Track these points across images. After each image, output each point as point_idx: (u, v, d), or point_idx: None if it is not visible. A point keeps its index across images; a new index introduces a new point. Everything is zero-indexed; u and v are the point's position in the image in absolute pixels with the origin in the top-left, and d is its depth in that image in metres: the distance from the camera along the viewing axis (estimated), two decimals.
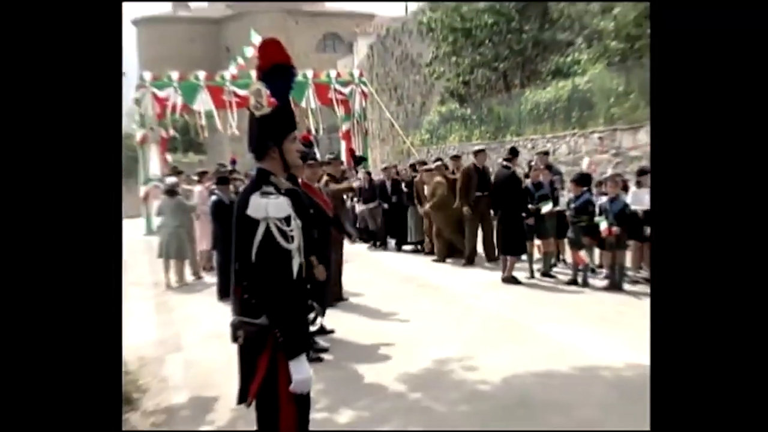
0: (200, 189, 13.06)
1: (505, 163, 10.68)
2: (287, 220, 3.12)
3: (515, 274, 10.24)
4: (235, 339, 3.21)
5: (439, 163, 13.54)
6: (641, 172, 10.30)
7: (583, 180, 10.00)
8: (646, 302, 8.69)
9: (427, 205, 12.76)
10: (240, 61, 21.42)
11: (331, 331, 7.49)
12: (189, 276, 12.28)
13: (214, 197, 10.65)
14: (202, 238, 12.45)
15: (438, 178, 12.85)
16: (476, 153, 12.33)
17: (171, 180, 12.83)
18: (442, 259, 12.84)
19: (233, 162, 16.38)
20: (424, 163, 14.67)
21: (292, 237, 3.13)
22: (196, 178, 14.19)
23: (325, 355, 6.78)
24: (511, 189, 10.32)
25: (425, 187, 13.09)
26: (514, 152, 10.99)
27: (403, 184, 14.33)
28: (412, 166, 15.04)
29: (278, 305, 3.06)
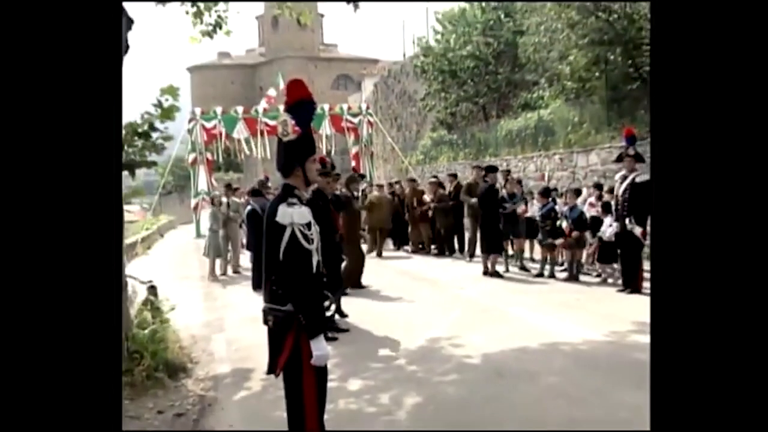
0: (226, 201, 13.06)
1: (485, 178, 10.63)
2: (308, 225, 3.13)
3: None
4: (266, 322, 3.21)
5: (433, 179, 13.77)
6: (596, 186, 10.30)
7: (546, 192, 10.02)
8: (597, 290, 8.69)
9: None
10: (269, 95, 21.63)
11: (346, 315, 7.46)
12: (230, 271, 12.26)
13: (249, 207, 10.66)
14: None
15: (375, 193, 13.87)
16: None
17: (213, 193, 12.92)
18: (377, 253, 13.45)
19: (266, 179, 16.44)
20: (414, 180, 14.85)
21: (312, 239, 3.14)
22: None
23: (337, 335, 6.75)
24: (491, 199, 10.25)
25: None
26: (491, 169, 10.86)
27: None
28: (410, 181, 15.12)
29: (301, 295, 3.07)
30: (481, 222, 10.52)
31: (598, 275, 9.49)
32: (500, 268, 10.33)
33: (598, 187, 10.22)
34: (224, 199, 12.68)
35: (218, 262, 11.94)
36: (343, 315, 7.39)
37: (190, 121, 21.19)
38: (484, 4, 19.58)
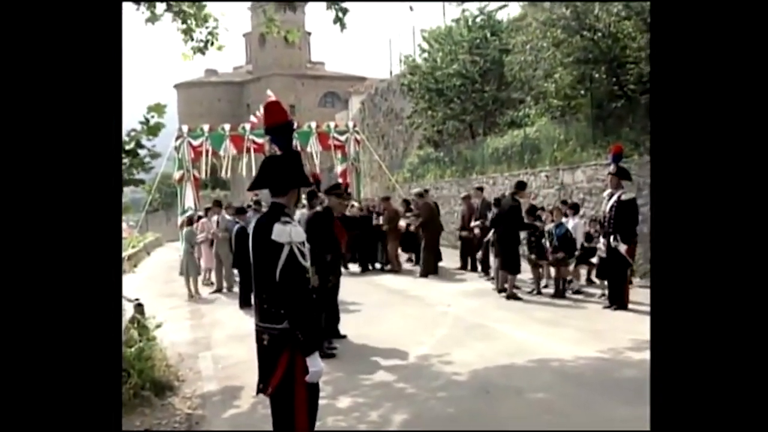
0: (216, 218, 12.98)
1: (514, 195, 9.73)
2: (303, 243, 3.16)
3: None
4: (260, 341, 3.21)
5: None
6: (567, 203, 10.39)
7: (532, 211, 10.05)
8: (584, 306, 8.72)
9: None
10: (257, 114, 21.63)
11: (344, 336, 7.38)
12: (225, 288, 12.20)
13: (237, 225, 10.67)
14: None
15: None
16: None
17: (188, 213, 12.96)
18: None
19: (256, 196, 16.51)
20: (387, 199, 14.61)
21: (307, 256, 3.17)
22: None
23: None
24: (515, 218, 9.55)
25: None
26: (521, 186, 9.88)
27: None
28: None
29: (300, 312, 3.08)
30: (500, 241, 9.88)
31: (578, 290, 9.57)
32: (490, 285, 10.24)
33: (574, 207, 10.35)
34: (215, 217, 12.66)
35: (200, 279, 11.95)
36: (340, 336, 7.35)
37: (177, 138, 21.10)
38: (470, 22, 19.74)
